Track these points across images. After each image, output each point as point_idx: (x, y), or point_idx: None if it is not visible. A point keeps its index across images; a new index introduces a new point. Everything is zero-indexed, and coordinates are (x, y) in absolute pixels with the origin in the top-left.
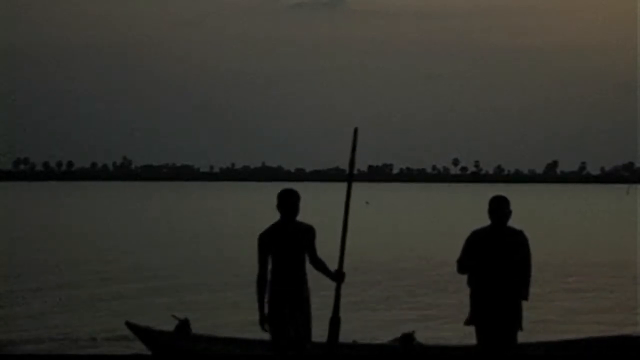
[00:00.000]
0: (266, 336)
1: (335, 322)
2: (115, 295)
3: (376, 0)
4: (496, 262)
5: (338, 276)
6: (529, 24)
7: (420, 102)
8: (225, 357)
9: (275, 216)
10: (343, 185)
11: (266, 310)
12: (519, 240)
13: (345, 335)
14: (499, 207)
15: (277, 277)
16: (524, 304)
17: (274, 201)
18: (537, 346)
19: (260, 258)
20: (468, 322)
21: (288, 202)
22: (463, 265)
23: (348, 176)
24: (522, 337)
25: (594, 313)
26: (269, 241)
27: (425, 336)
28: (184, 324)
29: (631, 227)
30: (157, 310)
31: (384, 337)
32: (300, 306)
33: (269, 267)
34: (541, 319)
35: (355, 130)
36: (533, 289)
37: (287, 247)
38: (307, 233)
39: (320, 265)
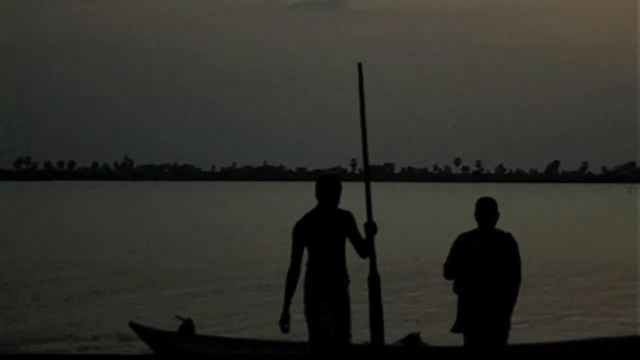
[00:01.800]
0: (269, 336)
1: (374, 280)
2: (118, 295)
3: (376, 0)
4: (485, 266)
5: (369, 227)
6: (529, 24)
7: (421, 101)
8: (229, 358)
9: (276, 214)
10: (344, 185)
11: (304, 306)
12: (508, 244)
13: (355, 336)
14: (486, 210)
15: (315, 268)
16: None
17: (276, 200)
18: (543, 347)
19: (294, 249)
20: (456, 330)
21: (326, 189)
22: (450, 269)
23: (361, 121)
24: (527, 338)
25: (595, 313)
26: (305, 230)
27: (431, 337)
28: (187, 324)
29: (632, 227)
30: (160, 311)
31: (390, 338)
32: (340, 299)
33: (306, 259)
34: (542, 319)
35: (359, 66)
36: (534, 289)
37: (326, 235)
38: (347, 219)
39: (363, 246)
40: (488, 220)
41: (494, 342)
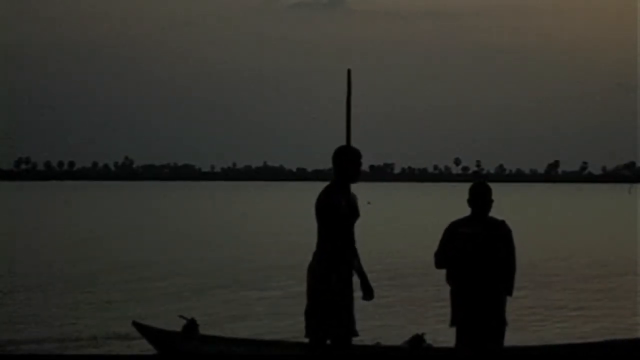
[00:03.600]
0: (272, 336)
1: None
2: (121, 294)
3: (376, 0)
4: (478, 255)
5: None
6: (529, 24)
7: (421, 101)
8: (232, 358)
9: (277, 215)
10: None
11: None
12: (502, 232)
13: (362, 336)
14: (481, 195)
15: (338, 251)
16: (508, 300)
17: (276, 200)
18: (550, 348)
19: (330, 223)
20: (451, 323)
21: (345, 160)
22: (440, 259)
23: (347, 127)
24: (532, 340)
25: (595, 314)
26: (339, 200)
27: (435, 338)
28: (191, 324)
29: (632, 227)
30: (164, 311)
31: (395, 339)
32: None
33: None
34: (542, 320)
35: (349, 72)
36: (533, 290)
37: (349, 214)
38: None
39: (357, 258)
40: (482, 206)
41: (487, 339)
